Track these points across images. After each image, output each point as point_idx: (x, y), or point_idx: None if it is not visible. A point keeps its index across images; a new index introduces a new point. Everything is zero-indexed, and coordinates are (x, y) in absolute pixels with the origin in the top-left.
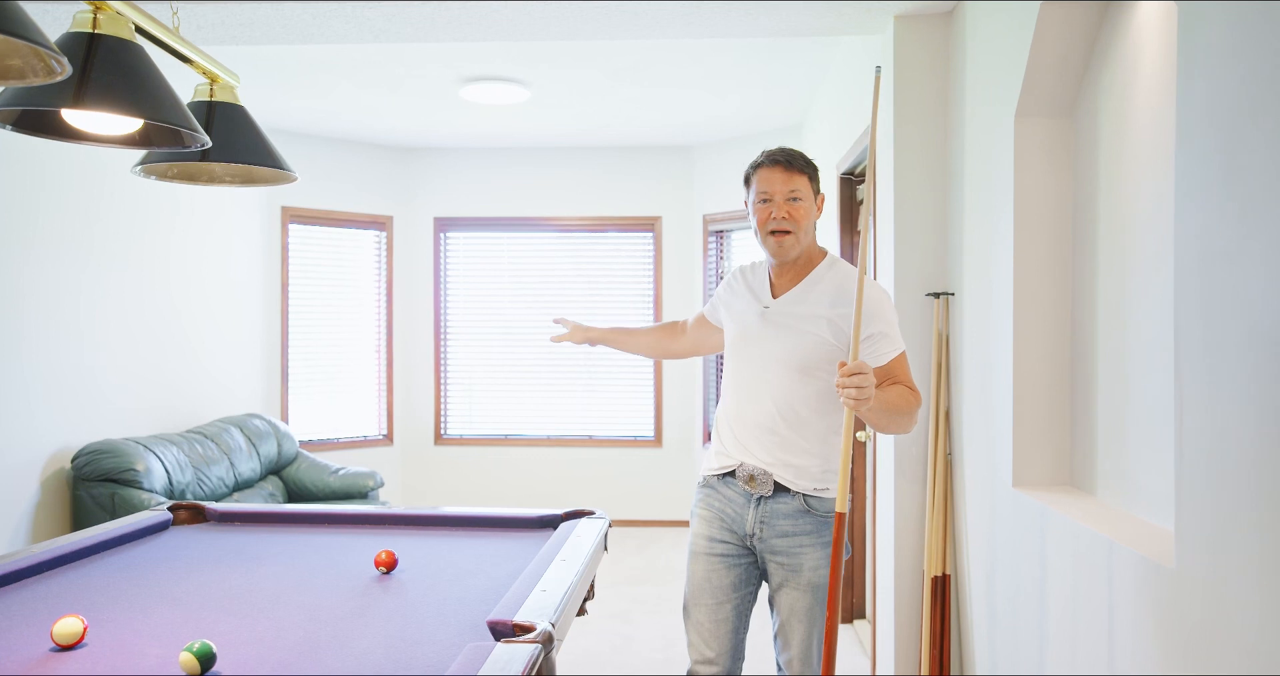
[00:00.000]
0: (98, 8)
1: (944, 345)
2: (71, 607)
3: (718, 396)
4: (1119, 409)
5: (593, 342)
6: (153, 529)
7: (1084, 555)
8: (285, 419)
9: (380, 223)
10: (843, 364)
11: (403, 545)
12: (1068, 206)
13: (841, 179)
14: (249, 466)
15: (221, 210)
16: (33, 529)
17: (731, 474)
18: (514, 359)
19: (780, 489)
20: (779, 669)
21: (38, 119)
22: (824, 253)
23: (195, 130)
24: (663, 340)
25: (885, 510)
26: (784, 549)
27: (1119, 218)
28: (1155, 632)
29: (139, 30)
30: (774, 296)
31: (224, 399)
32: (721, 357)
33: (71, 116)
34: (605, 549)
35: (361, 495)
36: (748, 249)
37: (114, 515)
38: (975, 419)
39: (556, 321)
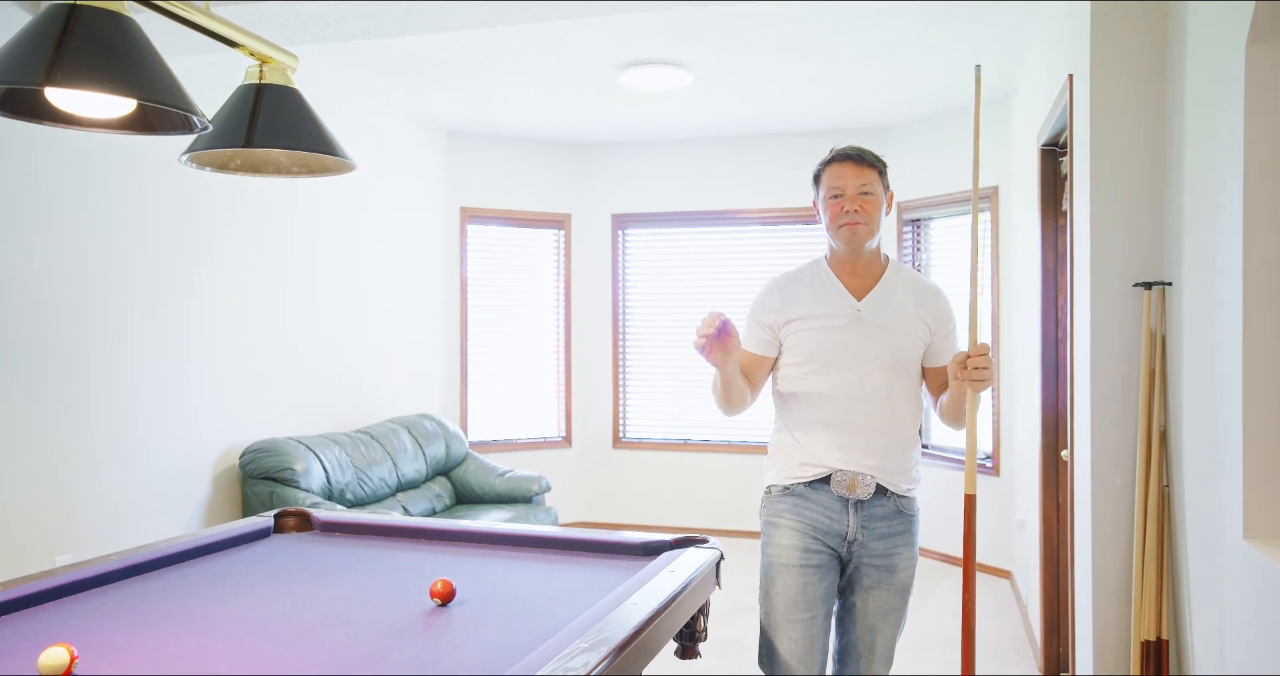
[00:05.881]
0: None
1: (1159, 348)
2: (100, 628)
3: None
4: None
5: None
6: (250, 536)
7: None
8: (464, 420)
9: (558, 221)
10: (964, 352)
11: (483, 569)
12: None
13: (1042, 151)
14: (414, 468)
15: (402, 211)
16: (204, 523)
17: (823, 480)
18: (696, 359)
19: (878, 491)
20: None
21: (20, 102)
22: (885, 255)
23: (191, 111)
24: (748, 391)
25: (1081, 551)
26: (881, 551)
27: None
28: None
29: (167, 13)
30: (857, 299)
31: (400, 399)
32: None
33: (55, 97)
34: (717, 584)
35: (526, 499)
36: (946, 238)
37: None
38: (1198, 445)
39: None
